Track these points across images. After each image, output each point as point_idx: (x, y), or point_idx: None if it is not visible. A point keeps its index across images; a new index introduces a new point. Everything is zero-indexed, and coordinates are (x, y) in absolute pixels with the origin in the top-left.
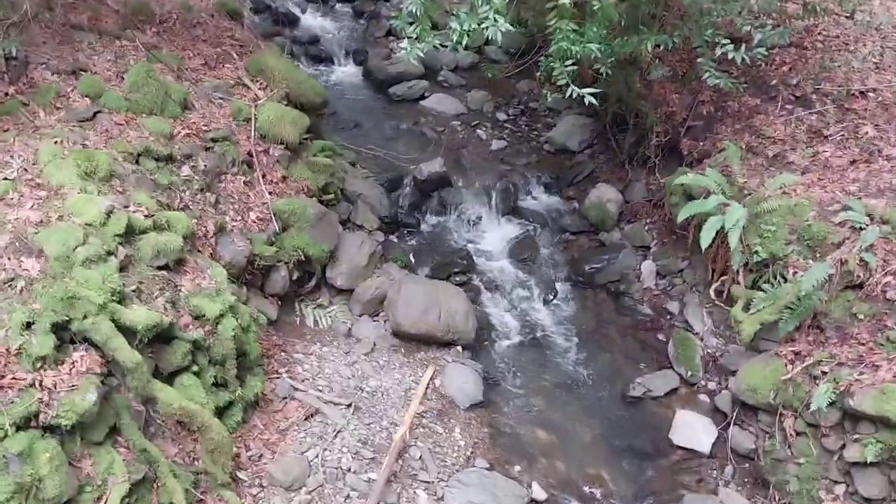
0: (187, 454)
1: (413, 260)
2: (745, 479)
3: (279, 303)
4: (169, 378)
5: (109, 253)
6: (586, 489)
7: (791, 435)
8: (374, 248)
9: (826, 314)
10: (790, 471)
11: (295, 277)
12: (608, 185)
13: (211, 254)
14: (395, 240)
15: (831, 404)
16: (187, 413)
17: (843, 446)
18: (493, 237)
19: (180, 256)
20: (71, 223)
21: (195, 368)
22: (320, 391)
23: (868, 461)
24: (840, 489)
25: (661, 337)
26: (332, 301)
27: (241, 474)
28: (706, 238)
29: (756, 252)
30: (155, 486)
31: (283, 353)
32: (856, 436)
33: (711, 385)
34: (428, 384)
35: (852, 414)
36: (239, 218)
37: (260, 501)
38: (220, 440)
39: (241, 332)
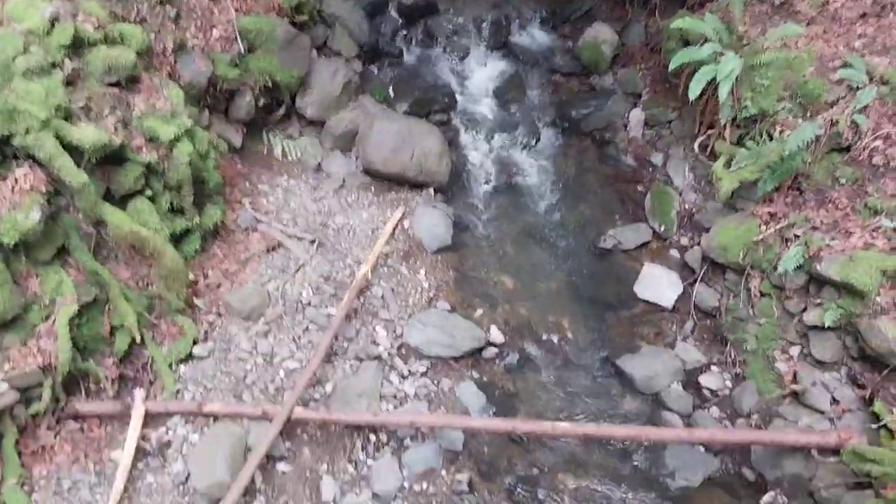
0: (141, 279)
1: (392, 94)
2: (704, 336)
3: (244, 130)
4: (122, 202)
5: (54, 65)
6: (544, 335)
7: (755, 295)
8: (350, 77)
9: (808, 176)
10: (749, 330)
11: (261, 104)
12: (606, 24)
13: (169, 73)
14: (375, 70)
15: (799, 268)
16: (139, 238)
17: (805, 310)
18: (479, 74)
19: (134, 74)
20: (10, 29)
21: (149, 193)
22: (284, 225)
23: (826, 325)
24: (795, 351)
25: (640, 189)
26: (302, 132)
27: (197, 301)
28: (695, 88)
29: (746, 107)
30: (106, 308)
31: (247, 183)
32: (818, 300)
33: (684, 241)
34: (396, 225)
35: (818, 278)
36: (201, 35)
37: (216, 329)
38: (174, 266)
39: (198, 157)
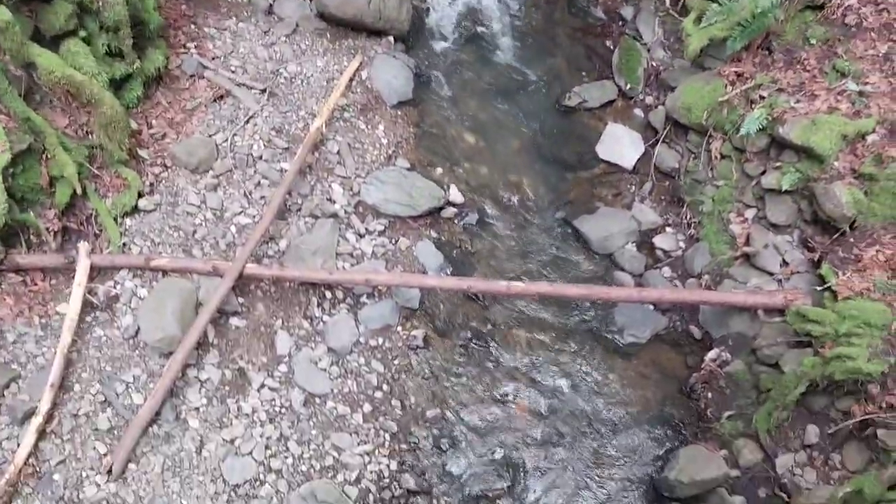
0: (80, 128)
1: None
2: (662, 197)
3: None
4: (53, 43)
5: None
6: (504, 195)
7: (715, 157)
8: None
9: (778, 35)
10: (707, 192)
11: None
12: None
13: None
14: None
15: (761, 130)
16: (73, 83)
17: (763, 173)
18: None
19: None
20: None
21: (83, 34)
22: (233, 72)
23: (783, 189)
24: (750, 213)
25: (608, 44)
26: None
27: (141, 152)
28: None
29: None
30: (44, 158)
31: (192, 26)
32: (777, 164)
33: (649, 100)
34: (353, 75)
35: (779, 141)
36: None
37: (163, 181)
38: (114, 114)
39: None
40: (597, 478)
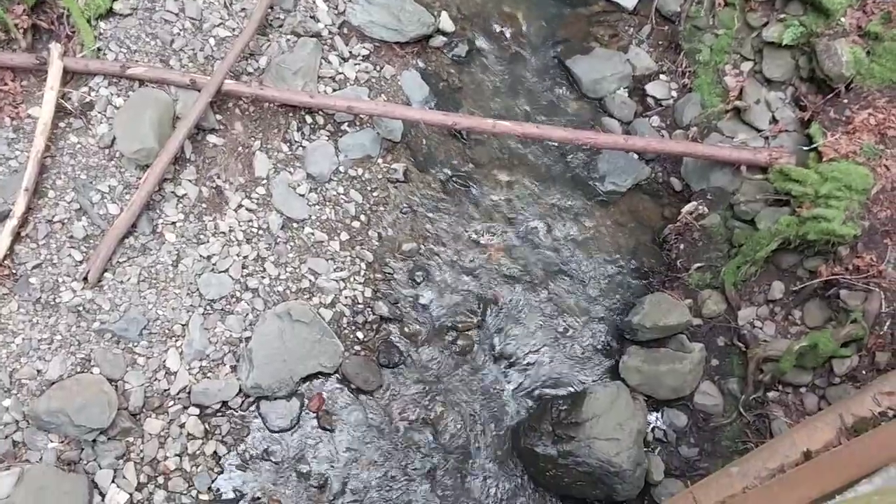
0: None
1: None
2: (659, 42)
3: None
4: None
5: None
6: (497, 27)
7: (719, 4)
8: None
9: None
10: (706, 41)
11: None
12: None
13: None
14: None
15: None
16: None
17: (766, 24)
18: None
19: None
20: None
21: None
22: None
23: (784, 43)
24: (746, 66)
25: None
26: None
27: None
28: None
29: None
30: None
31: None
32: (782, 15)
33: None
34: None
35: None
36: None
37: None
38: None
39: None
40: (564, 317)
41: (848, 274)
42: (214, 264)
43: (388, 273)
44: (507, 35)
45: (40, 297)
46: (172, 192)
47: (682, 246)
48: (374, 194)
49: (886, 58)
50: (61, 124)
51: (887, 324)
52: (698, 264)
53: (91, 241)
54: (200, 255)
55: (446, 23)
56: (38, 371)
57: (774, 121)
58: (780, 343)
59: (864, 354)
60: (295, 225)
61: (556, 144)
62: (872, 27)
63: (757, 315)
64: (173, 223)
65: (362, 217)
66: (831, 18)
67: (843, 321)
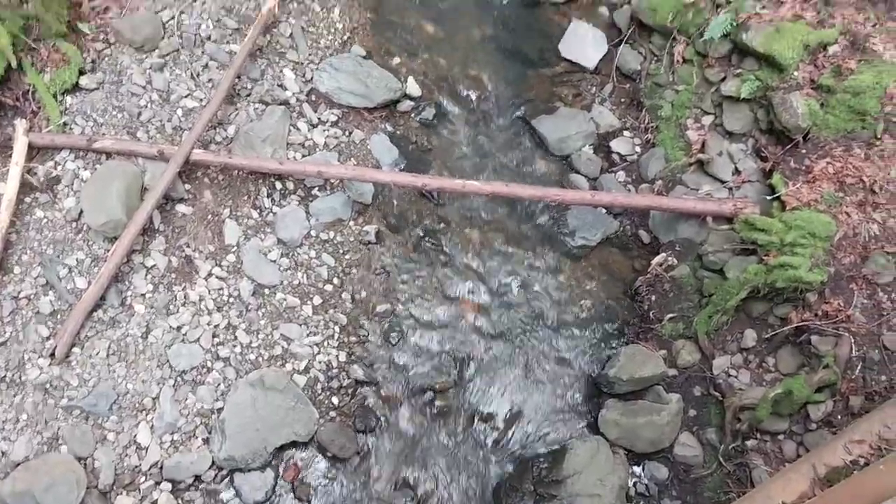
0: None
1: None
2: (621, 100)
3: None
4: None
5: None
6: (463, 90)
7: (678, 61)
8: None
9: None
10: (666, 97)
11: None
12: None
13: None
14: None
15: (725, 36)
16: None
17: (724, 79)
18: None
19: None
20: None
21: None
22: None
23: (742, 97)
24: (707, 120)
25: None
26: None
27: (82, 26)
28: None
29: None
30: None
31: None
32: (738, 70)
33: None
34: None
35: (742, 48)
36: None
37: (106, 59)
38: None
39: None
40: (540, 373)
41: (817, 320)
42: (185, 335)
43: (363, 335)
44: (473, 97)
45: (5, 376)
46: (141, 264)
47: (653, 297)
48: (347, 257)
49: (839, 109)
50: (27, 199)
51: (858, 367)
52: (671, 315)
53: (58, 317)
54: (170, 326)
55: (413, 87)
56: (3, 452)
57: (737, 172)
58: (755, 391)
59: (839, 399)
60: (266, 291)
61: (525, 202)
62: (824, 80)
63: (731, 363)
64: (142, 295)
65: (335, 280)
66: (785, 73)
67: (816, 367)
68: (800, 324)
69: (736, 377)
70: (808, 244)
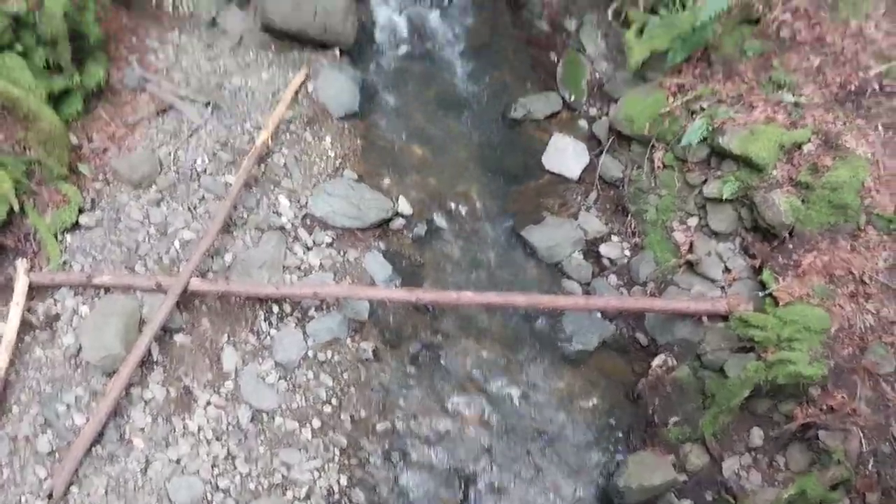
0: (17, 143)
1: None
2: (607, 206)
3: None
4: None
5: None
6: (452, 206)
7: (658, 167)
8: None
9: (717, 48)
10: (650, 201)
11: None
12: None
13: None
14: None
15: (702, 140)
16: (10, 98)
17: (705, 182)
18: None
19: None
20: None
21: (20, 48)
22: (176, 85)
23: (724, 198)
24: (693, 222)
25: (552, 56)
26: None
27: (82, 167)
28: None
29: None
30: None
31: (133, 39)
32: (718, 173)
33: (593, 111)
34: (299, 88)
35: (719, 151)
36: None
37: (104, 197)
38: (52, 129)
39: (75, 9)
40: (547, 486)
41: (823, 415)
42: (184, 467)
43: (364, 457)
44: (463, 212)
45: None
46: (140, 396)
47: (656, 400)
48: (345, 376)
49: (820, 204)
50: (26, 338)
51: (871, 462)
52: (675, 418)
53: (56, 455)
54: (169, 459)
55: (404, 206)
56: None
57: (727, 270)
58: (768, 492)
59: (855, 497)
60: (265, 416)
61: (520, 310)
62: (802, 177)
63: (741, 464)
64: (141, 428)
65: (333, 401)
66: (764, 172)
67: (827, 464)
68: (806, 420)
69: (747, 478)
70: (804, 338)
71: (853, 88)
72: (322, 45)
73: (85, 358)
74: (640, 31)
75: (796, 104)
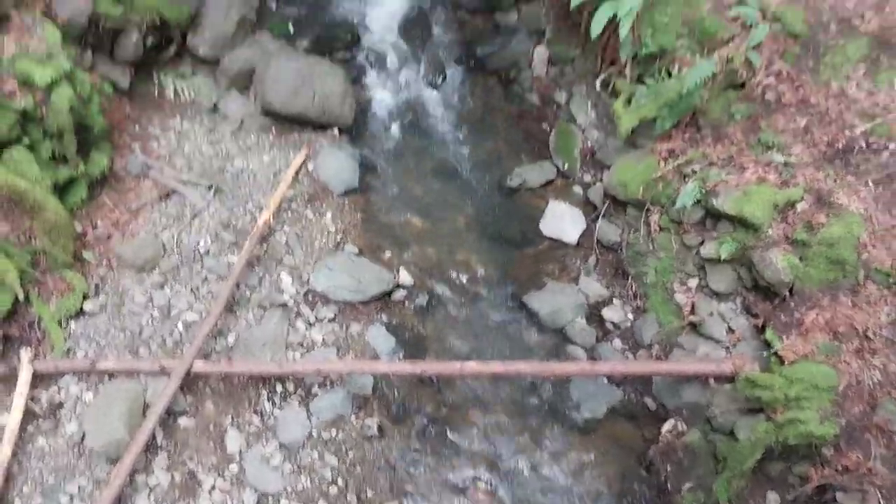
0: (22, 233)
1: (293, 30)
2: (606, 270)
3: (133, 71)
4: None
5: None
6: (453, 275)
7: (654, 230)
8: (245, 13)
9: (705, 113)
10: (649, 264)
11: (150, 43)
12: None
13: (43, 11)
14: (273, 6)
15: (696, 202)
16: (17, 191)
17: (702, 243)
18: (383, 10)
19: (2, 12)
20: None
21: (27, 142)
22: (178, 170)
23: (722, 258)
24: (693, 283)
25: (545, 127)
26: (195, 71)
27: (86, 254)
28: (596, 26)
29: (646, 44)
30: None
31: (136, 127)
32: (714, 234)
33: (587, 178)
34: (299, 168)
35: (714, 213)
36: None
37: (108, 282)
38: (57, 219)
39: (80, 102)
40: None
41: (839, 476)
42: None
43: None
44: (464, 281)
45: None
46: (145, 483)
47: (668, 466)
48: (350, 455)
49: (818, 261)
50: (29, 427)
51: None
52: (689, 484)
53: None
54: None
55: (405, 277)
56: None
57: (731, 330)
58: None
59: None
60: (270, 500)
61: (525, 378)
62: (798, 235)
63: None
64: None
65: (339, 481)
66: (759, 232)
67: None
68: (821, 482)
69: None
70: (813, 397)
71: (841, 146)
72: (321, 126)
73: (89, 445)
74: (629, 101)
75: (786, 164)
